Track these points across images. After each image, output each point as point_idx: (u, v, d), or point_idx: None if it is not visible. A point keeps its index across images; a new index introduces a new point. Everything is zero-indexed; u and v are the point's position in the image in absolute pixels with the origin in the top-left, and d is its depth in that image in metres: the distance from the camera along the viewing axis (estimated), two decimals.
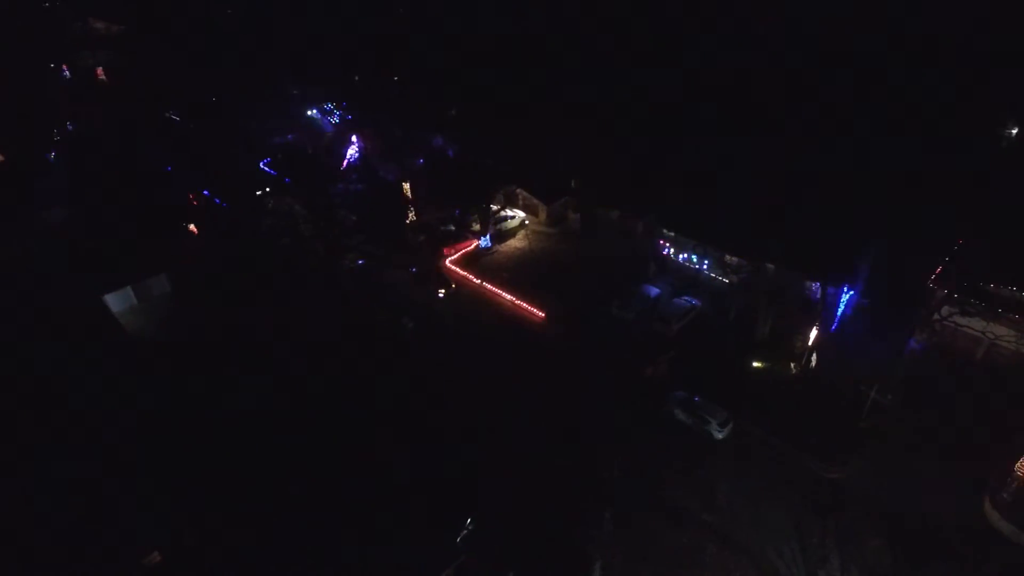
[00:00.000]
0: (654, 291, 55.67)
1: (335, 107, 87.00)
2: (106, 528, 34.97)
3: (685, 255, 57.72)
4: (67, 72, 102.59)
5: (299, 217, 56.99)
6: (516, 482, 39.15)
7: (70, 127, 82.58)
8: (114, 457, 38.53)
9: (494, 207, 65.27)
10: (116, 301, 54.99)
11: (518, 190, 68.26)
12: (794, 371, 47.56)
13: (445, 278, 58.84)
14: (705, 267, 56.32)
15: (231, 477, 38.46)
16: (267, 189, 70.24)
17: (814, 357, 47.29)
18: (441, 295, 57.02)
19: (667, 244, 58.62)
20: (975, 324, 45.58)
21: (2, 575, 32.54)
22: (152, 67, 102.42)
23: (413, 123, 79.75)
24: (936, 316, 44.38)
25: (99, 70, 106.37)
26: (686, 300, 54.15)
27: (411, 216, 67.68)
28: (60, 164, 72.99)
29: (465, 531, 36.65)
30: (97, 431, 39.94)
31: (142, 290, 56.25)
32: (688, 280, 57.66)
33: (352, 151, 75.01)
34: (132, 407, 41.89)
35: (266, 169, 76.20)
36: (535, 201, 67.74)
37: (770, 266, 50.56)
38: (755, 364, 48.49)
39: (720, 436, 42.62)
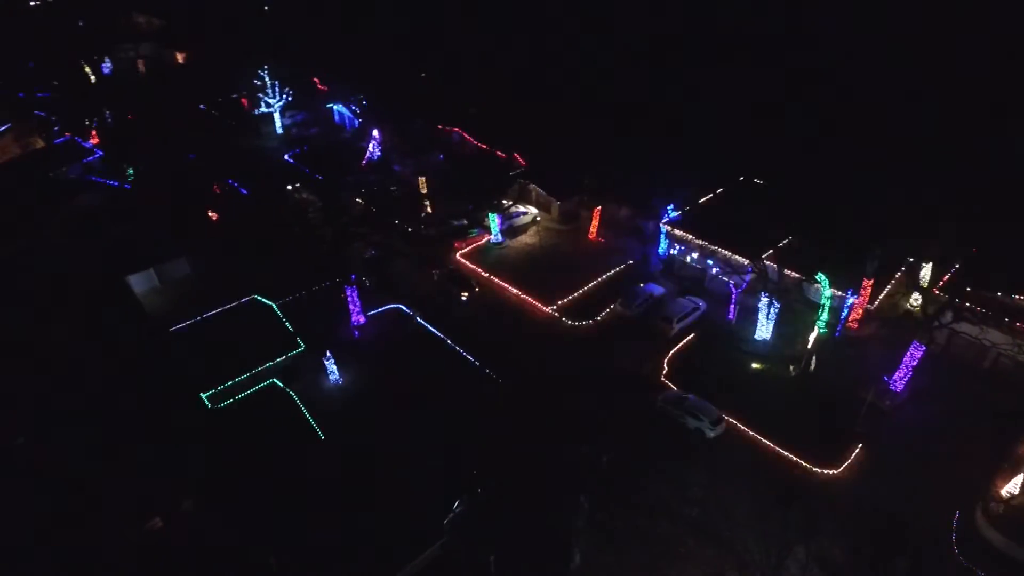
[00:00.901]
0: (658, 290, 55.89)
1: (359, 101, 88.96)
2: (111, 494, 36.93)
3: (693, 255, 57.74)
4: (109, 63, 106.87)
5: (307, 205, 58.45)
6: (505, 469, 39.91)
7: (108, 116, 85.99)
8: (121, 428, 40.58)
9: (506, 202, 66.15)
10: (139, 282, 57.56)
11: (531, 186, 69.07)
12: (792, 373, 47.37)
13: (468, 281, 57.77)
14: (712, 268, 56.25)
15: (232, 450, 40.11)
16: (297, 184, 71.65)
17: (814, 360, 47.04)
18: (464, 298, 55.95)
19: (675, 243, 58.76)
20: (976, 331, 44.82)
21: (10, 540, 34.64)
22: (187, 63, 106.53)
23: (434, 118, 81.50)
24: (937, 323, 43.76)
25: (140, 62, 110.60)
26: (690, 300, 54.28)
27: (427, 209, 69.03)
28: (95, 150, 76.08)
29: (452, 513, 37.64)
30: (106, 403, 42.07)
31: (163, 272, 58.70)
32: (695, 280, 57.78)
33: (372, 146, 76.75)
34: (142, 383, 43.95)
35: (290, 161, 78.45)
36: (548, 198, 68.44)
37: (773, 267, 50.42)
38: (754, 365, 48.45)
39: (711, 435, 42.76)
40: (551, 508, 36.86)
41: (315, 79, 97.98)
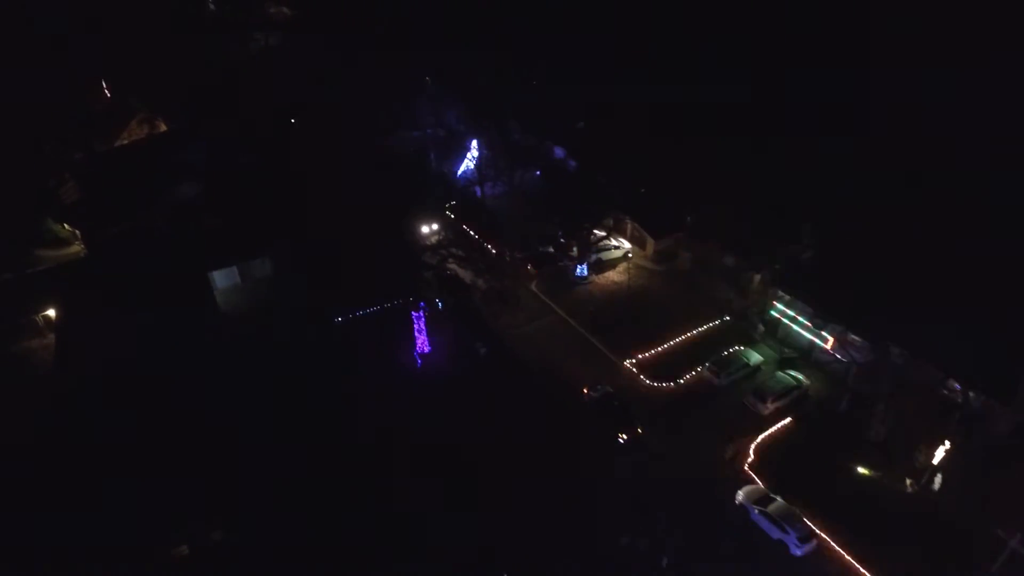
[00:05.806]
0: (756, 357, 49.02)
1: (465, 107, 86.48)
2: (140, 522, 35.92)
3: (802, 321, 50.00)
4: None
5: None
6: (549, 553, 35.69)
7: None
8: (149, 458, 39.16)
9: (598, 233, 61.08)
10: (222, 278, 58.06)
11: (627, 219, 63.42)
12: (910, 489, 39.34)
13: (631, 417, 44.87)
14: (824, 340, 48.41)
15: (260, 480, 38.49)
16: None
17: (938, 478, 38.77)
18: (622, 440, 43.68)
19: (782, 305, 51.21)
20: None
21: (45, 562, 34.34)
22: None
23: (538, 130, 77.45)
24: None
25: None
26: (791, 375, 46.99)
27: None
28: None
29: None
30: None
31: (246, 270, 58.95)
32: (800, 351, 50.09)
33: (469, 157, 74.15)
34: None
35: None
36: (644, 234, 62.52)
37: (897, 352, 42.22)
38: (861, 470, 40.81)
39: (798, 553, 36.02)
40: None
41: (427, 77, 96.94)
